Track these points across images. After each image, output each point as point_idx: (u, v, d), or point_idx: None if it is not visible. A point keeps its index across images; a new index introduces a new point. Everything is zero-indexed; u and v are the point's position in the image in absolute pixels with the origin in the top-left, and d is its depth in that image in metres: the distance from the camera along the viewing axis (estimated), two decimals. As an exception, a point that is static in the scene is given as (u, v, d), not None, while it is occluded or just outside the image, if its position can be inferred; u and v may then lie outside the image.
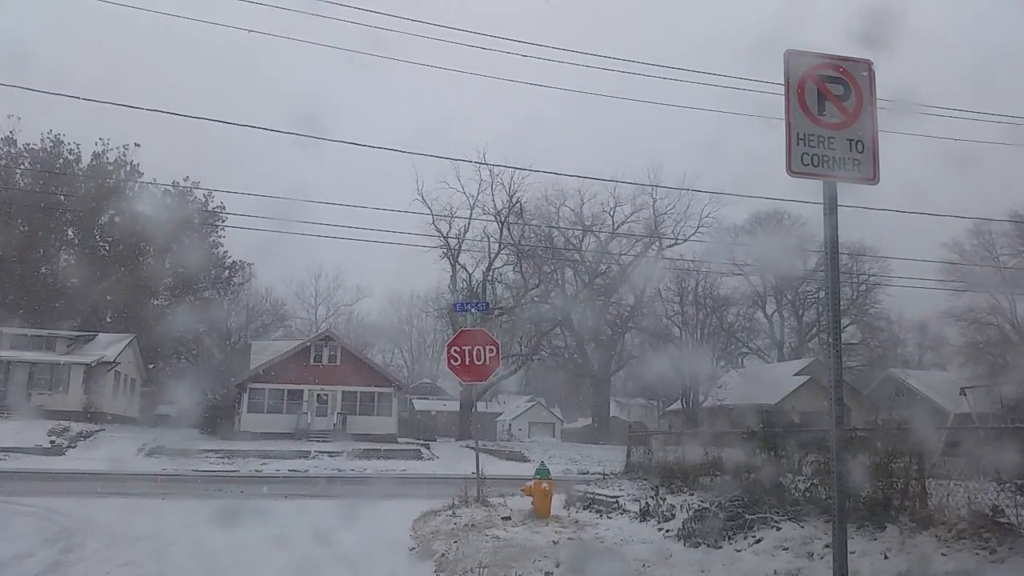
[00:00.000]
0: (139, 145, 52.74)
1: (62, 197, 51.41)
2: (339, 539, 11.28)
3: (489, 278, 50.91)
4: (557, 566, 9.03)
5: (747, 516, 9.80)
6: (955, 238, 45.46)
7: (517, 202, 48.94)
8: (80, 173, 52.57)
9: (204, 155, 61.50)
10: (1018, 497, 7.78)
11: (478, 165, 45.09)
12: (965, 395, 19.40)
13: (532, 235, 51.49)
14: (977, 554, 7.34)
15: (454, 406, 54.52)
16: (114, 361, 42.04)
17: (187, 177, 51.79)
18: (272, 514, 15.56)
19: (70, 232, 55.45)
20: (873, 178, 5.88)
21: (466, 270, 50.99)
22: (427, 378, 75.74)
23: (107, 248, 54.33)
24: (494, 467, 26.33)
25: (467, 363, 15.20)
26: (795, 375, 46.23)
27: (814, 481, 10.12)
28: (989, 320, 47.74)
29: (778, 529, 9.37)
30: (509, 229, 49.90)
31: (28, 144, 52.50)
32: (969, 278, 45.42)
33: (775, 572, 7.94)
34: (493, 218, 49.29)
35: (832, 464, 6.01)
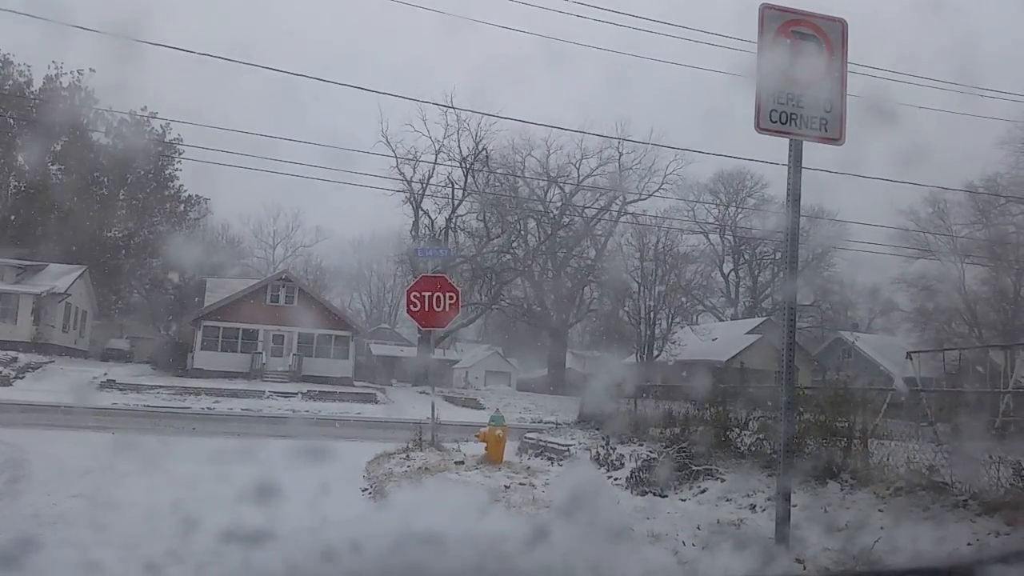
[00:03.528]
0: (94, 71, 50.83)
1: (11, 121, 49.54)
2: (290, 478, 11.22)
3: (452, 225, 50.59)
4: (508, 509, 9.17)
5: (693, 467, 10.05)
6: (911, 205, 46.24)
7: (483, 149, 48.47)
8: (32, 96, 50.63)
9: (164, 86, 59.54)
10: (953, 457, 8.07)
11: (445, 109, 44.50)
12: (911, 359, 19.96)
13: (497, 184, 51.12)
14: (911, 511, 7.61)
15: (412, 352, 54.56)
16: (65, 292, 41.14)
17: (144, 107, 50.26)
18: (223, 452, 15.45)
19: (20, 158, 53.57)
20: (839, 138, 5.90)
21: (429, 216, 50.59)
22: (385, 323, 75.52)
23: (59, 176, 52.67)
24: (450, 413, 26.49)
25: (427, 309, 15.20)
26: (747, 333, 47.07)
27: (760, 436, 10.39)
28: (938, 288, 48.88)
29: (722, 481, 9.62)
30: (474, 176, 49.47)
31: (-26, 64, 50.39)
32: (923, 245, 46.40)
33: (718, 521, 8.15)
34: (458, 164, 48.80)
35: (780, 420, 6.14)
